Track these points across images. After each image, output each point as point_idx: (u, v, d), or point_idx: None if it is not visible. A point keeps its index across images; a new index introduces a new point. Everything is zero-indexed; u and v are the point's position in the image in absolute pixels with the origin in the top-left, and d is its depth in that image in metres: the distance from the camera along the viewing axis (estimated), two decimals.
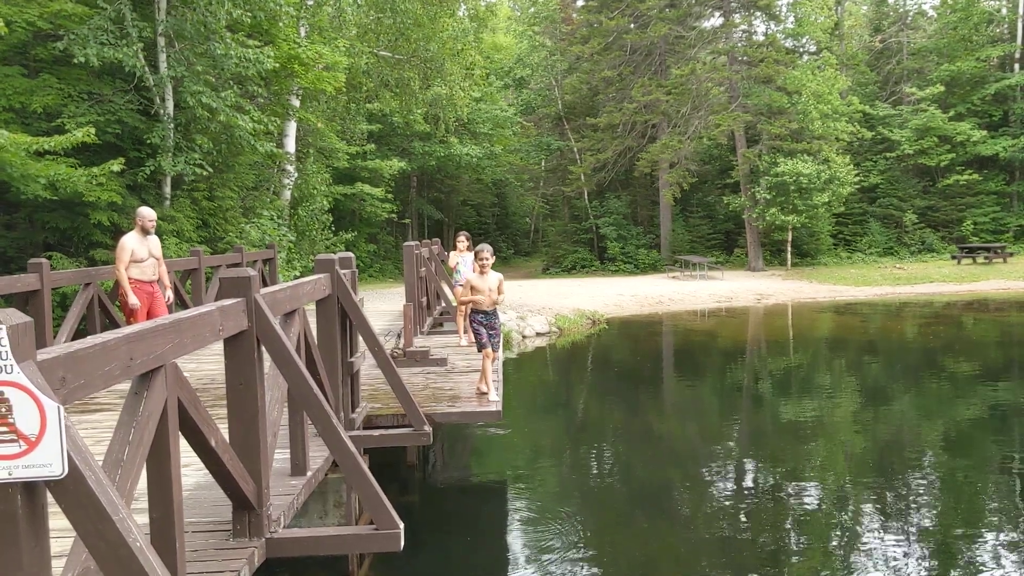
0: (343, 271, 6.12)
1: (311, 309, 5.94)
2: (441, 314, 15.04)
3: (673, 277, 35.23)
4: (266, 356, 4.26)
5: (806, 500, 8.45)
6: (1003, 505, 8.29)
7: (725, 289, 31.60)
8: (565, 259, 41.29)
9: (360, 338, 6.60)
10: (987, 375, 16.52)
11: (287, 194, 23.84)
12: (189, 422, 3.51)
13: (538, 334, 22.55)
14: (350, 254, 6.88)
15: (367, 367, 7.85)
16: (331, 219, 26.58)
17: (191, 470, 5.07)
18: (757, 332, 25.73)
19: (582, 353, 21.44)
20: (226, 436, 4.08)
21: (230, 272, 4.20)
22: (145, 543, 2.46)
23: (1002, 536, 7.44)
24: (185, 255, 14.78)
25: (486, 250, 8.17)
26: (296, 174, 24.33)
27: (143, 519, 3.32)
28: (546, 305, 24.94)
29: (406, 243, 12.55)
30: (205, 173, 16.94)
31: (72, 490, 2.35)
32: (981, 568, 6.79)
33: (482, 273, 8.05)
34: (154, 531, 3.33)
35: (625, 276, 37.07)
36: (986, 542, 7.32)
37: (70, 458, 2.30)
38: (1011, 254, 36.83)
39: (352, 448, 4.35)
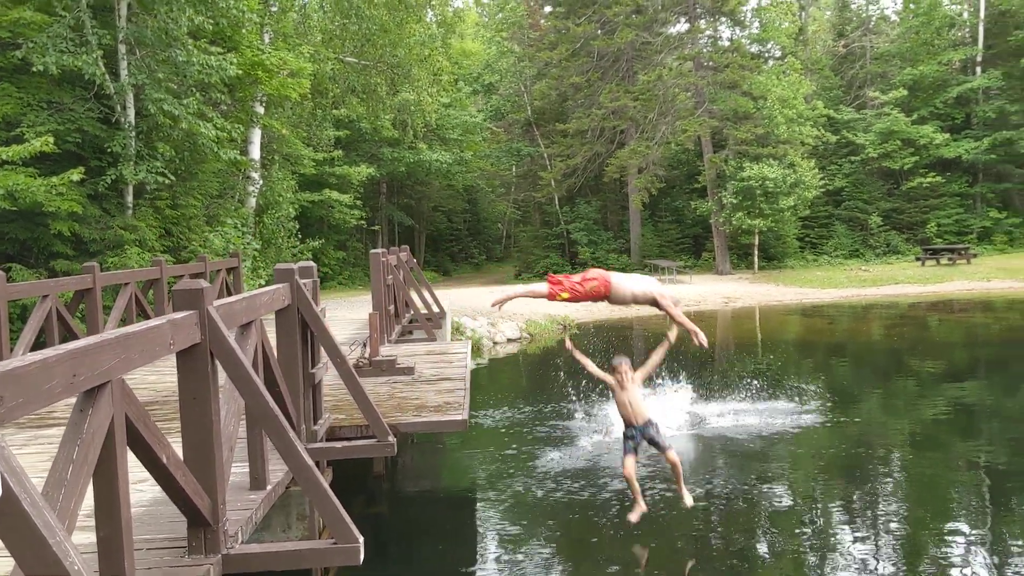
0: (303, 281, 6.04)
1: (272, 319, 5.86)
2: (410, 322, 14.95)
3: None
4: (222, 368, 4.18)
5: (772, 500, 8.47)
6: (969, 502, 8.36)
7: (693, 293, 31.74)
8: (537, 264, 41.28)
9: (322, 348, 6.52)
10: (952, 375, 16.72)
11: (252, 202, 23.62)
12: (138, 438, 3.43)
13: (509, 340, 22.53)
14: (311, 263, 6.80)
15: (333, 376, 7.76)
16: (297, 226, 26.38)
17: (147, 485, 4.97)
18: (725, 335, 25.86)
19: (552, 358, 21.42)
20: (181, 451, 4.00)
21: (183, 284, 4.12)
22: (84, 566, 2.39)
23: (969, 533, 7.50)
24: (147, 265, 14.58)
25: (624, 363, 7.48)
26: (261, 181, 24.12)
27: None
28: (517, 311, 24.90)
29: (373, 251, 12.46)
30: (168, 181, 16.75)
31: (6, 513, 2.27)
32: (948, 567, 6.84)
33: (623, 388, 7.30)
34: (102, 550, 3.24)
35: None
36: (953, 540, 7.37)
37: (4, 480, 2.23)
38: (974, 255, 37.34)
39: (310, 462, 4.28)
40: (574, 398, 14.28)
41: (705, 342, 7.25)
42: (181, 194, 18.39)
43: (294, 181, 27.21)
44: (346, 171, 32.47)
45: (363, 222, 34.90)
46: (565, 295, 7.62)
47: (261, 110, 22.90)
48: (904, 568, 6.86)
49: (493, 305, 7.72)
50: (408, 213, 42.08)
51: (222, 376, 4.26)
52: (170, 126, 16.53)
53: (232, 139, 18.83)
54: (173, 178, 16.98)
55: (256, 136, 23.45)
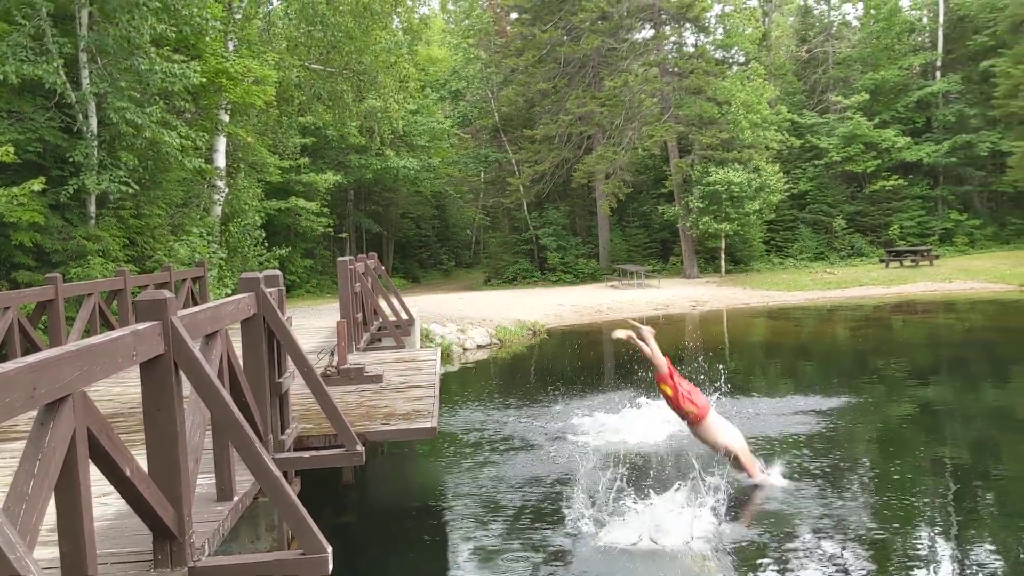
0: (269, 289, 6.01)
1: (238, 329, 5.83)
2: (379, 329, 14.90)
3: (611, 286, 35.51)
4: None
5: (741, 501, 8.54)
6: (933, 501, 8.48)
7: (662, 297, 31.95)
8: (506, 270, 41.35)
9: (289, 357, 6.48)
10: (916, 375, 16.96)
11: (217, 210, 23.43)
12: (101, 451, 3.39)
13: (479, 346, 22.51)
14: (277, 272, 6.76)
15: (300, 386, 7.72)
16: (264, 235, 26.19)
17: (111, 499, 4.91)
18: (694, 338, 26.04)
19: (522, 365, 21.45)
20: (145, 463, 3.96)
21: (147, 294, 4.09)
22: None
23: (933, 531, 7.62)
24: (111, 275, 14.41)
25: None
26: (227, 190, 23.93)
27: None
28: (487, 317, 24.92)
29: (340, 258, 12.41)
30: (131, 191, 16.57)
31: None
32: (913, 566, 6.93)
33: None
34: (65, 565, 3.20)
35: (565, 286, 37.27)
36: (917, 537, 7.48)
37: None
38: (937, 256, 37.92)
39: (276, 473, 4.25)
40: (546, 404, 14.31)
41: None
42: (145, 203, 18.21)
43: (260, 189, 27.04)
44: (313, 178, 32.32)
45: (330, 229, 34.73)
46: (668, 390, 8.18)
47: (226, 118, 22.73)
48: (868, 567, 6.94)
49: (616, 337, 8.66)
50: (376, 220, 41.94)
51: (187, 387, 4.23)
52: (133, 135, 16.37)
53: (196, 147, 18.68)
54: (137, 187, 16.80)
55: (221, 144, 23.27)
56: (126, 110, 15.77)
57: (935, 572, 6.79)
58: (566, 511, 8.38)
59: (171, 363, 3.99)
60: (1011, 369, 18.40)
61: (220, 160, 23.31)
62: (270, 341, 6.00)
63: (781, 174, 37.60)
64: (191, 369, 4.12)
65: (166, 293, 4.07)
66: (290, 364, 6.52)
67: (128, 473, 3.58)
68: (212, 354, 4.82)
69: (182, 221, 20.47)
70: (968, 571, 6.76)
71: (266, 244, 26.54)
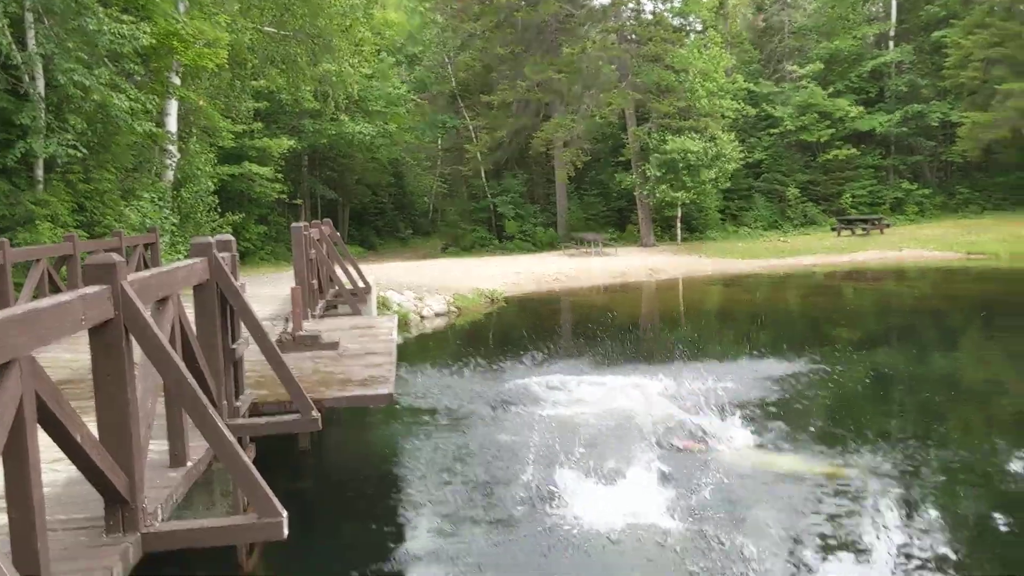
0: (222, 254, 5.93)
1: (191, 296, 5.75)
2: (335, 297, 14.79)
3: (569, 254, 35.61)
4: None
5: (679, 464, 8.67)
6: (881, 467, 8.68)
7: (619, 265, 32.14)
8: (464, 238, 41.22)
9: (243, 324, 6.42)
10: (866, 342, 17.31)
11: (169, 175, 23.00)
12: (50, 417, 3.34)
13: (436, 314, 22.47)
14: (230, 237, 6.67)
15: (255, 353, 7.65)
16: (217, 201, 25.79)
17: (62, 465, 4.83)
18: (650, 306, 26.29)
19: (480, 332, 21.49)
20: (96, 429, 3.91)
21: (95, 258, 4.01)
22: None
23: (880, 497, 7.80)
24: (60, 241, 14.11)
25: None
26: (178, 154, 23.48)
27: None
28: (445, 285, 24.86)
29: (294, 224, 12.28)
30: (80, 155, 16.18)
31: None
32: (860, 529, 7.11)
33: None
34: (14, 531, 3.16)
35: (523, 254, 37.27)
36: (864, 503, 7.66)
37: None
38: (887, 225, 38.58)
39: (230, 438, 4.22)
40: (504, 372, 14.36)
41: None
42: (94, 168, 17.81)
43: (213, 154, 26.56)
44: (266, 144, 31.82)
45: (285, 196, 34.29)
46: None
47: (177, 81, 22.24)
48: (821, 531, 7.10)
49: None
50: (331, 186, 41.46)
51: (138, 353, 4.17)
52: (81, 97, 15.95)
53: (147, 111, 18.25)
54: (86, 151, 16.41)
55: (172, 108, 22.77)
56: (74, 72, 15.35)
57: (880, 533, 6.97)
58: (523, 480, 8.44)
59: (121, 328, 3.93)
60: (957, 335, 18.86)
61: (171, 124, 22.83)
62: (223, 307, 5.94)
63: (737, 143, 37.87)
64: (142, 334, 4.06)
65: (115, 257, 4.00)
66: (244, 330, 6.46)
67: (79, 439, 3.53)
68: (164, 319, 4.75)
69: (133, 186, 20.07)
70: (914, 531, 6.95)
71: (219, 210, 26.15)
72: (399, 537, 7.18)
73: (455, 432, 10.61)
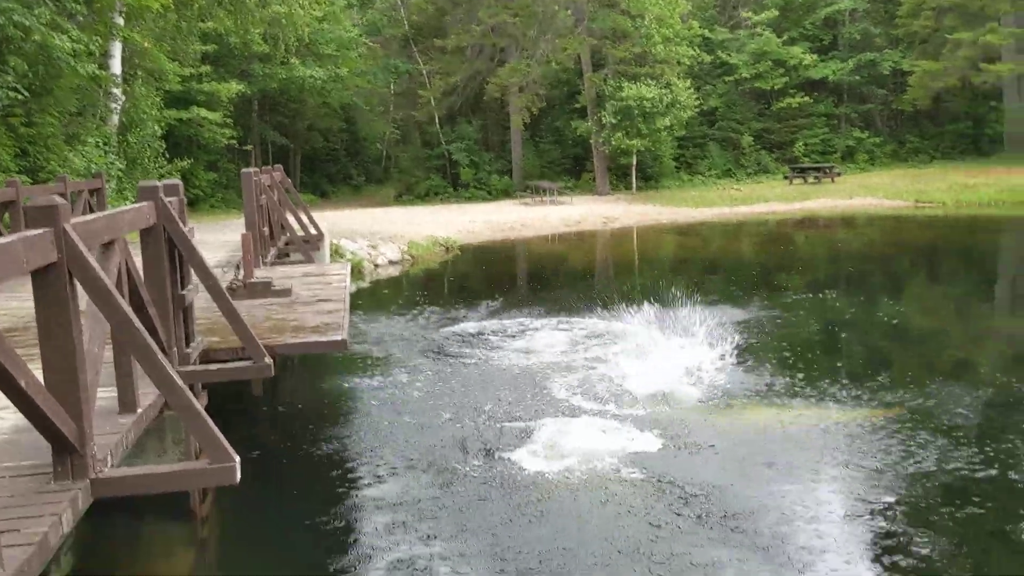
0: (169, 199, 5.80)
1: (138, 244, 5.63)
2: (287, 244, 14.61)
3: (525, 203, 35.52)
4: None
5: (634, 410, 8.79)
6: (826, 411, 8.88)
7: (574, 214, 32.16)
8: (418, 186, 40.82)
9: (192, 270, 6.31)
10: (816, 288, 17.60)
11: (115, 120, 22.38)
12: None
13: (390, 263, 22.35)
14: (177, 181, 6.53)
15: (206, 300, 7.55)
16: (164, 146, 25.21)
17: (8, 412, 4.76)
18: (605, 254, 26.43)
19: (435, 280, 21.44)
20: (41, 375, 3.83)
21: (37, 200, 3.90)
22: None
23: (824, 434, 7.99)
24: (1, 186, 13.70)
25: None
26: (123, 98, 22.83)
27: None
28: (399, 233, 24.69)
29: (244, 170, 12.05)
30: (21, 97, 15.68)
31: None
32: (806, 473, 7.28)
33: None
34: None
35: (479, 203, 37.07)
36: (807, 438, 7.85)
37: None
38: (838, 173, 39.02)
39: (180, 383, 4.17)
40: (459, 320, 14.37)
41: None
42: (36, 111, 17.27)
43: (159, 98, 25.88)
44: (215, 88, 31.04)
45: (234, 142, 33.58)
46: None
47: (121, 21, 21.51)
48: (766, 478, 7.26)
49: None
50: (282, 132, 40.69)
51: (84, 299, 4.08)
52: (21, 38, 15.39)
53: (90, 52, 17.68)
54: (27, 94, 15.90)
55: (116, 49, 22.06)
56: (12, 11, 14.78)
57: (821, 472, 7.16)
58: (476, 425, 8.50)
59: (65, 272, 3.83)
60: (904, 281, 19.28)
61: (116, 66, 22.15)
62: (171, 252, 5.83)
63: (692, 90, 37.83)
64: (87, 278, 3.96)
65: (58, 199, 3.89)
66: (194, 277, 6.36)
67: (24, 385, 3.45)
68: (110, 264, 4.64)
69: (77, 131, 19.52)
70: (851, 468, 7.14)
71: (167, 156, 25.58)
72: (351, 482, 7.21)
73: (409, 379, 10.62)
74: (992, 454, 7.33)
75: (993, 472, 6.93)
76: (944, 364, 11.10)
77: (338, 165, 46.36)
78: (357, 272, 19.08)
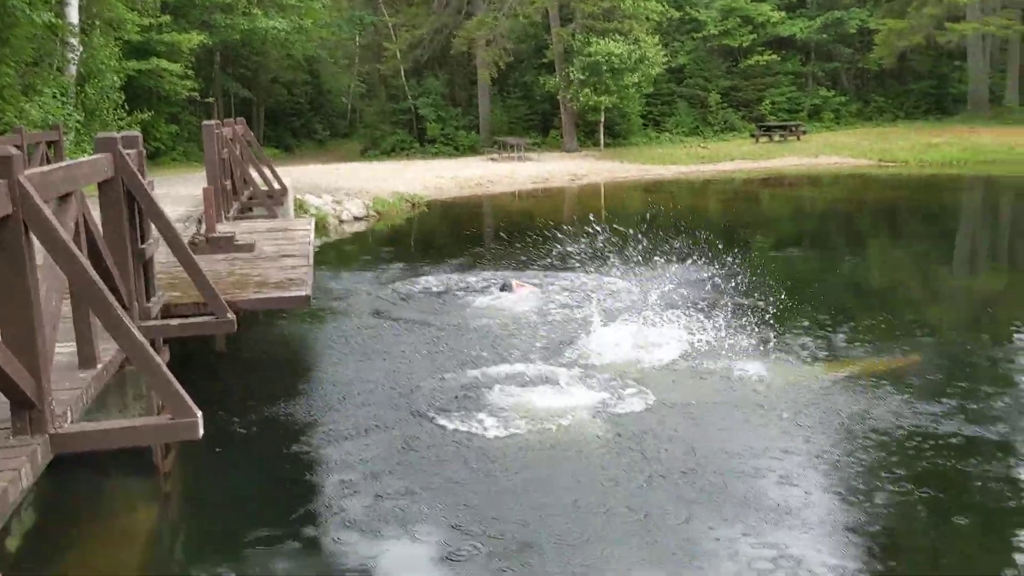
0: (128, 151, 5.68)
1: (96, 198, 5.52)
2: (250, 199, 14.43)
3: (492, 159, 35.31)
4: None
5: (600, 365, 8.86)
6: (784, 356, 9.00)
7: (542, 170, 32.05)
8: (384, 141, 40.39)
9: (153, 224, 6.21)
10: (781, 245, 17.79)
11: (72, 70, 21.85)
12: None
13: (355, 218, 22.17)
14: (136, 133, 6.40)
15: (167, 254, 7.44)
16: (124, 98, 24.66)
17: None
18: (572, 211, 26.38)
19: (400, 237, 21.33)
20: None
21: None
22: None
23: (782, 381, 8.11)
24: None
25: None
26: (81, 48, 22.27)
27: None
28: (364, 188, 24.44)
29: (205, 122, 11.83)
30: None
31: None
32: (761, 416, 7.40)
33: None
34: None
35: (445, 158, 36.78)
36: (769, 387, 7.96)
37: None
38: (804, 132, 39.22)
39: (140, 338, 4.12)
40: (424, 277, 14.32)
41: None
42: None
43: (118, 48, 25.25)
44: (176, 38, 30.32)
45: (196, 94, 32.90)
46: None
47: None
48: (720, 430, 7.37)
49: None
50: (245, 85, 39.96)
51: (41, 253, 4.01)
52: None
53: (46, 0, 17.19)
54: None
55: None
56: None
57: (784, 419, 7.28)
58: (440, 382, 8.51)
59: (20, 224, 3.75)
60: (867, 239, 19.52)
61: (73, 15, 21.56)
62: (131, 205, 5.73)
63: (660, 47, 37.65)
64: (43, 231, 3.88)
65: (12, 149, 3.79)
66: (154, 231, 6.26)
67: None
68: (66, 217, 4.55)
69: (33, 81, 19.05)
70: (818, 424, 7.27)
71: (126, 107, 25.05)
72: (315, 438, 7.20)
73: (374, 335, 10.60)
74: (955, 406, 7.49)
75: (955, 424, 7.09)
76: (903, 320, 11.26)
77: (302, 119, 45.72)
78: (321, 228, 18.92)
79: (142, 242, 5.98)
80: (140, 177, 5.71)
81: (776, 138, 38.78)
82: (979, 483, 6.08)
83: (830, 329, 10.45)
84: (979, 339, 10.36)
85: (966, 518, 5.61)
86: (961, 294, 13.63)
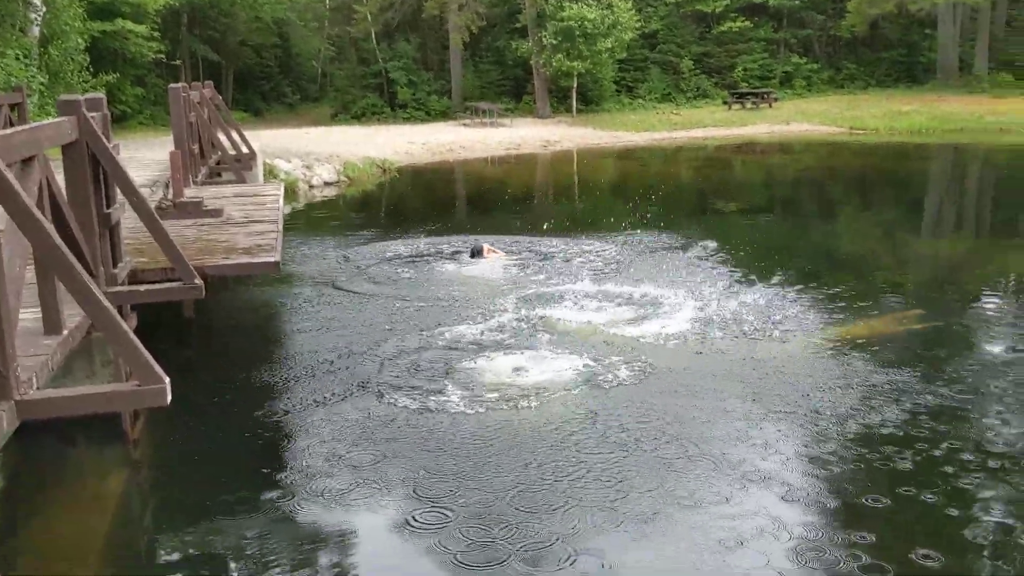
0: (92, 113, 5.58)
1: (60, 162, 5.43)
2: (218, 164, 14.25)
3: (464, 124, 35.09)
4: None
5: (567, 333, 8.90)
6: (749, 320, 9.09)
7: (514, 136, 31.92)
8: (354, 105, 39.96)
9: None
10: (752, 212, 17.90)
11: (35, 31, 21.35)
12: None
13: (326, 184, 22.01)
14: (101, 95, 6.29)
15: (134, 220, 7.35)
16: (89, 59, 24.17)
17: None
18: (545, 178, 26.39)
19: (371, 202, 21.21)
20: None
21: None
22: None
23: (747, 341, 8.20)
24: None
25: None
26: (44, 8, 21.75)
27: None
28: (335, 153, 24.23)
29: (172, 85, 11.64)
30: None
31: None
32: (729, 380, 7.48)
33: None
34: None
35: (417, 124, 36.49)
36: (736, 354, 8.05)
37: None
38: (776, 99, 39.29)
39: (106, 304, 4.07)
40: (395, 243, 14.27)
41: None
42: None
43: (82, 9, 24.68)
44: None
45: (163, 56, 32.32)
46: None
47: None
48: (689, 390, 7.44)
49: None
50: (213, 48, 39.30)
51: (4, 217, 3.94)
52: None
53: None
54: None
55: None
56: None
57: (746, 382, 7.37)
58: (410, 349, 8.50)
59: None
60: (837, 206, 19.68)
61: None
62: (95, 169, 5.63)
63: (633, 12, 37.47)
64: (5, 195, 3.82)
65: None
66: (120, 195, 6.17)
67: None
68: (29, 181, 4.47)
69: None
70: (790, 393, 7.37)
71: (91, 70, 24.55)
72: (284, 405, 7.18)
73: (344, 302, 10.55)
74: (927, 371, 7.61)
75: (927, 389, 7.20)
76: (873, 285, 11.39)
77: (272, 83, 45.09)
78: (291, 193, 18.75)
79: (107, 207, 5.90)
80: (105, 140, 5.62)
81: (748, 105, 38.83)
82: (948, 445, 6.18)
83: (802, 294, 10.54)
84: (947, 304, 10.52)
85: (937, 481, 5.71)
86: (927, 260, 13.80)
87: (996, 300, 10.74)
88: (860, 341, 8.56)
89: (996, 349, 8.73)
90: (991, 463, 5.92)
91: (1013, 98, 35.96)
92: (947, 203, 20.07)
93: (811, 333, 8.96)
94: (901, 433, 6.39)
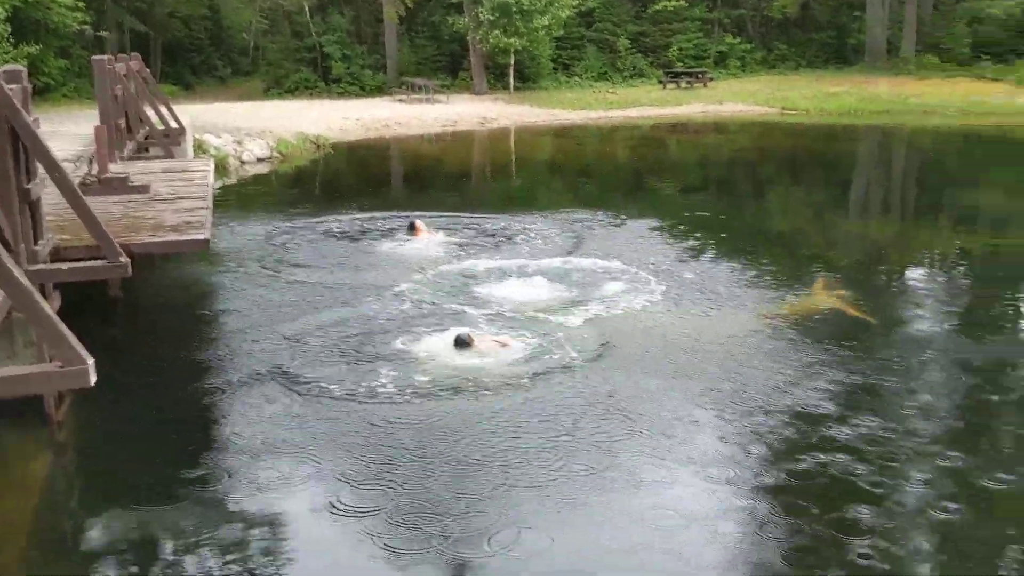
0: (10, 86, 5.39)
1: None
2: (146, 139, 13.89)
3: (400, 100, 34.71)
4: None
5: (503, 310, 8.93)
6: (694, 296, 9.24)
7: (451, 113, 31.72)
8: (287, 79, 39.19)
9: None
10: (686, 191, 18.12)
11: None
12: None
13: (258, 160, 21.62)
14: (20, 67, 6.08)
15: (57, 196, 7.13)
16: (9, 30, 23.29)
17: None
18: (481, 156, 26.32)
19: (305, 179, 20.92)
20: None
21: None
22: None
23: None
24: None
25: None
26: None
27: None
28: (267, 128, 23.77)
29: (95, 57, 11.28)
30: None
31: None
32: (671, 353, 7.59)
33: None
34: None
35: (352, 99, 35.95)
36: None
37: None
38: (711, 79, 39.69)
39: (24, 281, 3.95)
40: (328, 219, 14.11)
41: None
42: None
43: None
44: None
45: (88, 26, 31.26)
46: None
47: None
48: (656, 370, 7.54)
49: None
50: (140, 19, 38.10)
51: None
52: None
53: None
54: None
55: None
56: None
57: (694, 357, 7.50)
58: (343, 330, 8.43)
59: None
60: (769, 186, 20.05)
61: None
62: (15, 143, 5.45)
63: None
64: None
65: None
66: (41, 170, 5.98)
67: None
68: None
69: None
70: (735, 372, 7.51)
71: (12, 40, 23.65)
72: (213, 386, 7.08)
73: (273, 281, 10.38)
74: (857, 349, 7.84)
75: (860, 367, 7.41)
76: (802, 265, 11.65)
77: (202, 55, 43.93)
78: (222, 169, 18.37)
79: (28, 182, 5.72)
80: (24, 114, 5.43)
81: (683, 85, 39.15)
82: (874, 418, 6.38)
83: (736, 273, 10.74)
84: (874, 282, 10.83)
85: (865, 451, 5.89)
86: (855, 240, 14.15)
87: (920, 279, 11.11)
88: (794, 318, 8.77)
89: (921, 326, 9.05)
90: (915, 436, 6.14)
91: (938, 80, 36.91)
92: (874, 184, 20.59)
93: (745, 310, 9.14)
94: (832, 408, 6.58)
